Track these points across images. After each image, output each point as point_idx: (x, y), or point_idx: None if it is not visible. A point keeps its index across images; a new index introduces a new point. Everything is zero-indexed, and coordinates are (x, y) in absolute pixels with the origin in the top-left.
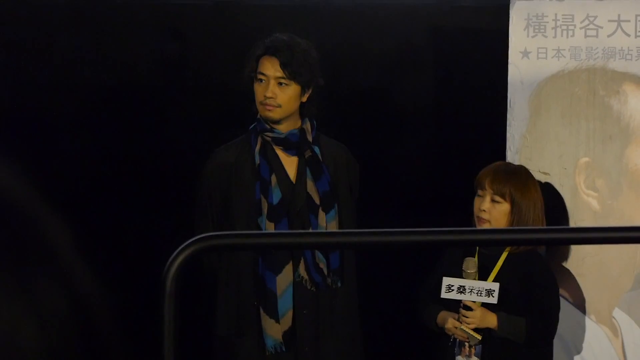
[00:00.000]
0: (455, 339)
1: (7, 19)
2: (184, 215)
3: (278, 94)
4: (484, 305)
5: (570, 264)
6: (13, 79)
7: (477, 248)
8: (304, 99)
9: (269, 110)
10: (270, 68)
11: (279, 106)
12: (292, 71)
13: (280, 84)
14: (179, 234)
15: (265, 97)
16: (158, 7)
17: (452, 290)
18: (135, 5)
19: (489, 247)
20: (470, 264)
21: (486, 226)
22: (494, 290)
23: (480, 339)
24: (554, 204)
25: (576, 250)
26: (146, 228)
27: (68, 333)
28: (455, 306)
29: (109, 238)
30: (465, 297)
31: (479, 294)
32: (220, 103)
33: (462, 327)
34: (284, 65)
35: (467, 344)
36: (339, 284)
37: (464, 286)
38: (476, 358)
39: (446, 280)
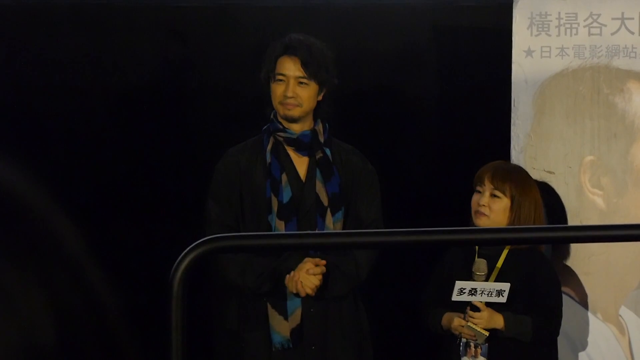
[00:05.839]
0: (462, 340)
1: (10, 22)
2: (194, 216)
3: (299, 94)
4: (489, 305)
5: (577, 263)
6: (18, 82)
7: (477, 248)
8: (320, 98)
9: (290, 109)
10: (292, 67)
11: (300, 105)
12: (312, 70)
13: (301, 83)
14: (189, 235)
15: (286, 97)
16: (162, 10)
17: (464, 293)
18: (140, 8)
19: (489, 246)
20: (482, 266)
21: (485, 220)
22: (504, 291)
23: (487, 334)
24: (553, 205)
25: (582, 249)
26: (156, 229)
27: (81, 332)
28: (461, 308)
29: (118, 239)
30: (476, 299)
31: (490, 295)
32: (227, 106)
33: (469, 324)
34: (305, 65)
35: (472, 344)
36: None
37: (475, 288)
38: (482, 358)
39: (459, 284)
